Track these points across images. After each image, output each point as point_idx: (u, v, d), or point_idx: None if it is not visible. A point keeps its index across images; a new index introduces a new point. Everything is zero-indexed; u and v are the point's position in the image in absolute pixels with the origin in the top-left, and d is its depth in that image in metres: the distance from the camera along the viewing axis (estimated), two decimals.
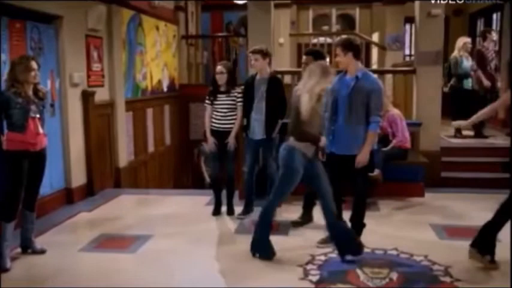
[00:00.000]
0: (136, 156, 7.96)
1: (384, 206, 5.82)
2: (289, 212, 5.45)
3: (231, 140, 5.41)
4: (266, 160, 5.45)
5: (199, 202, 6.15)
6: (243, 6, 9.66)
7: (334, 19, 12.74)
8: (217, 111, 5.44)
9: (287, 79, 7.27)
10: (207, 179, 8.34)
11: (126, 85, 7.61)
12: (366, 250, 4.39)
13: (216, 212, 5.63)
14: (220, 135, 5.44)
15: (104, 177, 6.84)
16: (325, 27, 13.28)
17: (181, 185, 9.11)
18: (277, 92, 5.27)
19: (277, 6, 7.42)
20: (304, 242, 4.73)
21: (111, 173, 7.10)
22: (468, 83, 7.70)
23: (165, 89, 9.22)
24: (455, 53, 7.72)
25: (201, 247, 4.65)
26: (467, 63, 7.68)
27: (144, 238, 4.83)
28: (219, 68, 5.44)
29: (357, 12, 12.79)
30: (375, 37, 11.96)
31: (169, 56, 9.49)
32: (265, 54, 5.24)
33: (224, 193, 5.66)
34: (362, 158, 4.32)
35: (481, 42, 7.99)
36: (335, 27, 12.95)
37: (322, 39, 11.35)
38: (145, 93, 8.39)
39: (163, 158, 9.01)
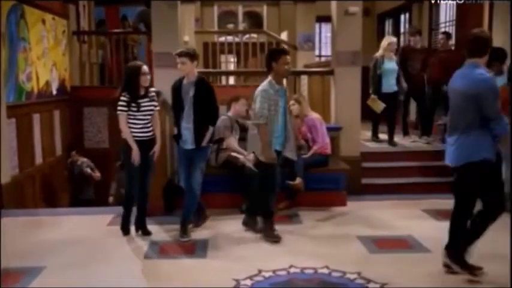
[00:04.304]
0: (22, 169, 7.21)
1: (306, 217, 5.62)
2: (202, 227, 5.25)
3: (157, 150, 5.05)
4: (191, 171, 5.00)
5: (100, 222, 5.59)
6: (142, 0, 9.13)
7: (240, 17, 12.75)
8: (139, 119, 4.94)
9: None
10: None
11: (7, 87, 6.83)
12: (294, 270, 4.16)
13: (127, 231, 5.16)
14: (145, 145, 4.98)
15: None
16: (231, 25, 13.25)
17: (77, 202, 8.25)
18: (206, 96, 4.95)
19: (180, 1, 6.95)
20: (226, 263, 4.39)
21: None
22: (390, 86, 7.36)
23: (54, 92, 8.52)
24: (379, 53, 7.41)
25: (106, 280, 4.08)
26: (390, 64, 7.36)
27: (35, 271, 4.23)
28: (145, 68, 4.99)
29: (264, 10, 13.05)
30: (284, 36, 12.02)
31: (59, 54, 8.76)
32: (192, 56, 4.93)
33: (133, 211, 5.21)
34: None
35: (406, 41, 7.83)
36: (241, 25, 13.01)
37: (230, 38, 11.17)
38: (30, 96, 7.64)
39: (54, 171, 8.27)
